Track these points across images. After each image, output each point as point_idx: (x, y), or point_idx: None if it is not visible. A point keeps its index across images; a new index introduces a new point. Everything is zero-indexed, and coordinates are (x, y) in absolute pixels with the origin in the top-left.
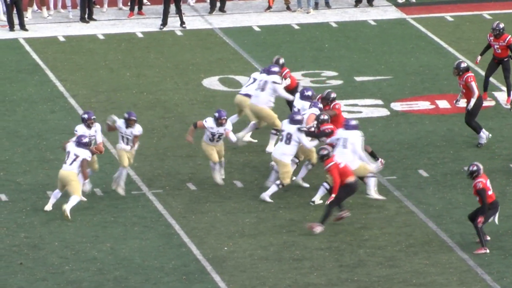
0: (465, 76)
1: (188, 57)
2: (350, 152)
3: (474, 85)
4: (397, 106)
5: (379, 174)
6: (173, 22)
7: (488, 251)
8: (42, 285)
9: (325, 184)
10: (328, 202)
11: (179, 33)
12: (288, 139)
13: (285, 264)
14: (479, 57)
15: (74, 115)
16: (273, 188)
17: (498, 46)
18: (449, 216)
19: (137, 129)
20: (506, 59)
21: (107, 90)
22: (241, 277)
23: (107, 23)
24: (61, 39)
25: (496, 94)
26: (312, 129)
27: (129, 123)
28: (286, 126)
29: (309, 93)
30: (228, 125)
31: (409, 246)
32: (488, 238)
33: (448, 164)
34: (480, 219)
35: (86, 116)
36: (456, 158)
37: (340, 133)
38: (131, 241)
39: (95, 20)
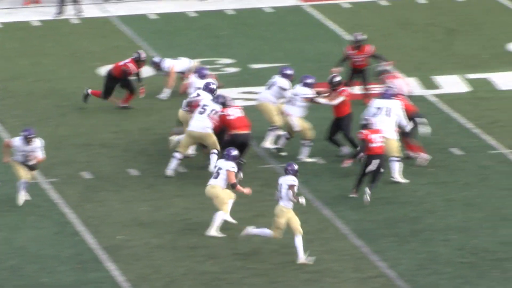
0: (339, 90)
1: (84, 45)
2: (393, 122)
3: (340, 99)
4: None
5: (278, 162)
6: (70, 10)
7: (357, 195)
8: None
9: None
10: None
11: (75, 21)
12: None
13: (180, 252)
14: (334, 69)
15: None
16: (213, 158)
17: (361, 59)
18: (345, 203)
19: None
20: (365, 68)
21: (4, 79)
22: (136, 266)
23: (2, 12)
24: None
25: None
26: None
27: None
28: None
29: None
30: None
31: (304, 233)
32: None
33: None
34: (347, 162)
35: (26, 133)
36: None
37: (380, 102)
38: (26, 230)
39: None
